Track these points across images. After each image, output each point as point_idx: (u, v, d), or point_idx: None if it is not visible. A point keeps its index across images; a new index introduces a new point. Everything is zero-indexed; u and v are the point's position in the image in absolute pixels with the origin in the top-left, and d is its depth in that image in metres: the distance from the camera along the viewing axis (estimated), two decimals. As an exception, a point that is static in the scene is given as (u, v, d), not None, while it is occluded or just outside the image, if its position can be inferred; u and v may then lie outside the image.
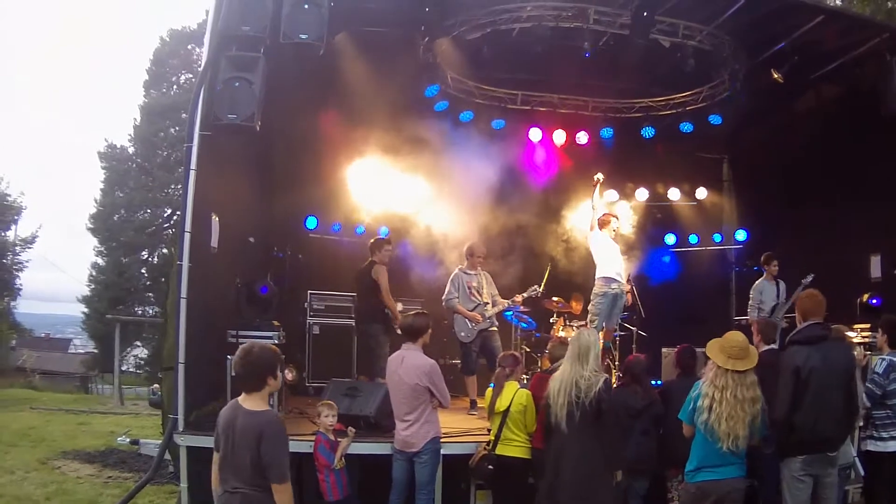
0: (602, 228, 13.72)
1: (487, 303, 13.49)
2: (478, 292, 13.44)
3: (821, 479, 8.07)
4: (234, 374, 6.50)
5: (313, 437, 9.39)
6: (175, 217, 44.52)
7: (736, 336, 7.84)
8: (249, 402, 6.22)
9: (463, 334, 13.30)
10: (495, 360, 13.09)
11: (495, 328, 13.59)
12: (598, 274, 13.62)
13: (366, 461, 9.64)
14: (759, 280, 14.93)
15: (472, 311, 13.26)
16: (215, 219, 10.99)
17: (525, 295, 13.87)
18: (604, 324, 13.35)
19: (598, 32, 14.13)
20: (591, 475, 8.25)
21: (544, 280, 15.14)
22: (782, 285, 14.61)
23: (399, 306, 13.84)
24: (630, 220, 18.41)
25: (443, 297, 13.55)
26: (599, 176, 13.87)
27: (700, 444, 7.67)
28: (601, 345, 9.02)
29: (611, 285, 13.40)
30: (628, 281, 14.76)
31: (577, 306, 15.95)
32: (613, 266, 13.52)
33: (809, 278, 13.56)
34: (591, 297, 13.60)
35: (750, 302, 14.90)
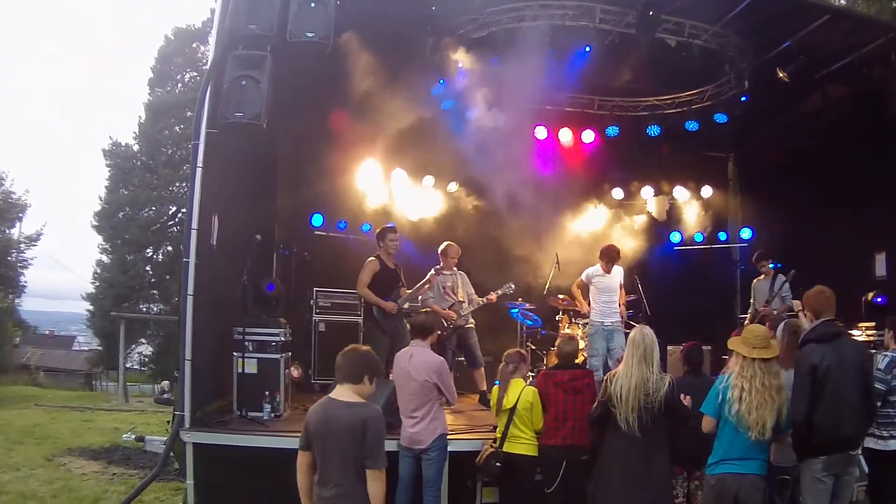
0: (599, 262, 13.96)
1: (462, 301, 13.53)
2: (453, 291, 13.48)
3: (841, 478, 8.03)
4: (336, 366, 6.66)
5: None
6: (180, 215, 44.56)
7: (757, 328, 8.05)
8: (346, 396, 6.41)
9: (438, 332, 13.27)
10: (474, 357, 13.22)
11: (472, 325, 13.61)
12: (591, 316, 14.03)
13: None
14: (757, 279, 15.05)
15: (446, 309, 13.29)
16: (214, 217, 11.00)
17: (500, 292, 13.78)
18: (603, 361, 13.48)
19: (604, 31, 14.17)
20: (662, 476, 8.31)
21: (550, 277, 15.21)
22: (778, 281, 14.52)
23: (405, 304, 13.88)
24: (635, 218, 18.51)
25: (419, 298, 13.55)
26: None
27: (726, 437, 7.66)
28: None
29: (604, 323, 13.63)
30: (634, 275, 14.87)
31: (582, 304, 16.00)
32: (597, 306, 13.80)
33: (791, 273, 13.67)
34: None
35: (751, 301, 15.09)
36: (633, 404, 8.11)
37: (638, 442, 8.15)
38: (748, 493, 7.51)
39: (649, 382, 8.15)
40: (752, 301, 15.01)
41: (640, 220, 18.90)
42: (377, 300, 12.48)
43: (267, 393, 11.12)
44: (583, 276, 14.05)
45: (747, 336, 7.79)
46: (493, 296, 13.75)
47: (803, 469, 8.11)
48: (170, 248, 46.45)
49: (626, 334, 14.05)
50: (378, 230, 13.22)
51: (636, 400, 8.11)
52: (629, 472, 8.24)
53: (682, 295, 17.54)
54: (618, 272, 14.00)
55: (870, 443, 8.90)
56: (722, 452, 7.68)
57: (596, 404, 8.78)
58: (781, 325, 9.45)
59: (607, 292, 13.73)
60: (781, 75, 14.71)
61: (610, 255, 13.80)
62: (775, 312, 13.70)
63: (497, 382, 9.92)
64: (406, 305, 12.90)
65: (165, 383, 35.97)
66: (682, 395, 8.44)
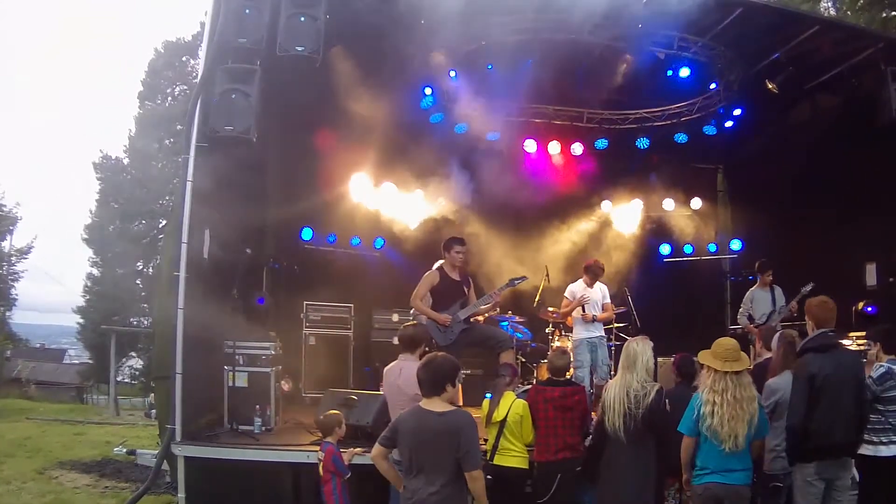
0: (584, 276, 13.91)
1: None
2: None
3: (834, 483, 8.16)
4: (418, 379, 6.95)
5: (311, 448, 9.42)
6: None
7: (726, 340, 8.02)
8: (435, 406, 6.77)
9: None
10: (495, 341, 12.76)
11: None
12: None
13: (363, 471, 9.56)
14: (753, 288, 14.76)
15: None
16: (206, 231, 10.99)
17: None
18: (590, 375, 13.39)
19: (594, 44, 14.16)
20: (645, 484, 8.33)
21: (540, 290, 15.16)
22: (778, 292, 14.34)
23: (395, 317, 13.74)
24: (625, 230, 18.52)
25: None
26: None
27: (706, 450, 7.82)
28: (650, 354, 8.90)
29: (587, 337, 13.51)
30: (624, 287, 14.90)
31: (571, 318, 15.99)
32: (581, 319, 13.64)
33: (809, 287, 13.44)
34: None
35: (741, 309, 14.82)
36: (619, 410, 8.15)
37: (624, 448, 8.18)
38: (734, 502, 7.69)
39: (630, 390, 8.18)
40: (744, 309, 14.65)
41: (630, 232, 18.85)
42: (428, 311, 11.81)
43: (258, 406, 11.13)
44: (567, 295, 13.92)
45: (717, 350, 7.91)
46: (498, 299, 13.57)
47: (795, 472, 8.24)
48: (160, 262, 46.35)
49: (611, 347, 14.13)
50: (445, 241, 12.49)
51: (622, 406, 8.15)
52: (616, 479, 8.28)
53: (671, 307, 17.50)
54: (599, 288, 13.85)
55: (861, 449, 8.94)
56: (706, 464, 7.81)
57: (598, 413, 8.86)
58: (777, 336, 9.48)
59: (589, 305, 13.65)
60: (771, 87, 14.72)
61: (594, 270, 13.80)
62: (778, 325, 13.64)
63: (487, 396, 9.90)
64: (464, 316, 12.08)
65: (153, 396, 35.93)
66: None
